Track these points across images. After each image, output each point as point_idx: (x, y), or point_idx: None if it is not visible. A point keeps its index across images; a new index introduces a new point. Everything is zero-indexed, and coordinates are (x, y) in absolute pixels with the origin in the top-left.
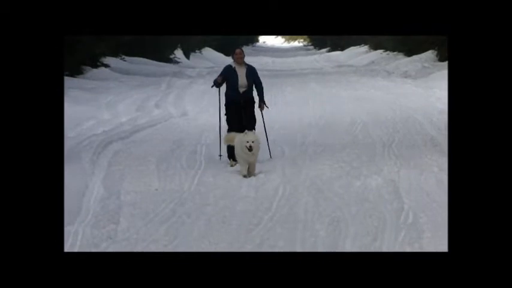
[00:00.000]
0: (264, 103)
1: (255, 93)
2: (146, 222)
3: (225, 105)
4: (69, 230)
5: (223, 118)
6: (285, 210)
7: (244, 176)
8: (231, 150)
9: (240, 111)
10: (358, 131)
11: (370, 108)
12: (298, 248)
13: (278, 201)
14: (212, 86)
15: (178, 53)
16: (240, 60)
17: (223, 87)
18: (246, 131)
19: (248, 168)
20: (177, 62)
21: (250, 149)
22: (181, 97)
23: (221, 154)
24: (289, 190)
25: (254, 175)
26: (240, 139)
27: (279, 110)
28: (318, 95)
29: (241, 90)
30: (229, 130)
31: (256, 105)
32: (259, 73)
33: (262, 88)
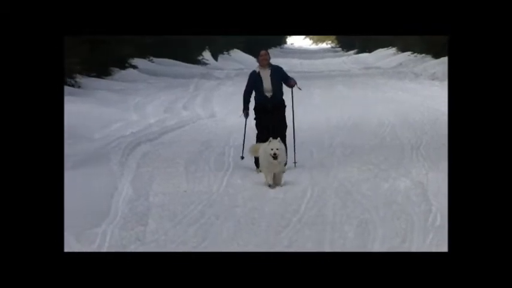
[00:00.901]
0: (295, 81)
1: (285, 96)
2: (175, 223)
3: (254, 109)
4: (97, 231)
5: (250, 120)
6: (313, 212)
7: (270, 186)
8: (257, 158)
9: (269, 116)
10: (386, 133)
11: (397, 110)
12: (327, 250)
13: (306, 203)
14: (240, 116)
15: (207, 55)
16: (264, 62)
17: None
18: (271, 138)
19: (274, 178)
20: (205, 64)
21: (275, 157)
22: (209, 99)
23: (243, 155)
24: (317, 192)
25: (281, 185)
26: (264, 148)
27: (307, 112)
28: (346, 97)
29: (268, 94)
30: (258, 135)
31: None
32: (288, 74)
33: (292, 79)
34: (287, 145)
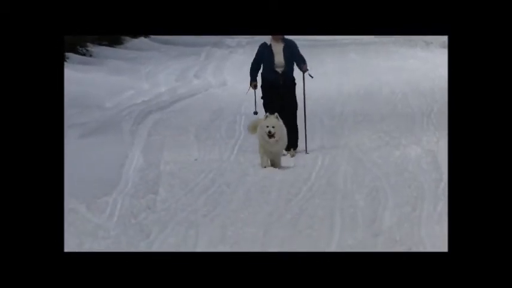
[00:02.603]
0: (307, 68)
1: (296, 74)
2: (186, 192)
3: (261, 86)
4: (107, 200)
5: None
6: (323, 180)
7: (265, 168)
8: None
9: (279, 95)
10: (397, 101)
11: (409, 78)
12: (338, 218)
13: (317, 171)
14: (246, 92)
15: None
16: (277, 35)
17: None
18: (267, 114)
19: (271, 160)
20: None
21: (270, 135)
22: (221, 67)
23: (256, 111)
24: (328, 160)
25: (279, 167)
26: (260, 126)
27: (318, 80)
28: (358, 65)
29: (279, 70)
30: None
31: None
32: (298, 43)
33: (304, 60)
34: (298, 128)
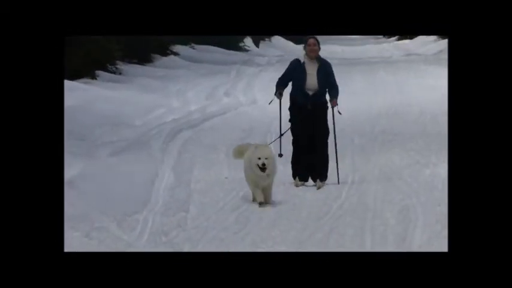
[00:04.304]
0: (336, 102)
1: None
2: (216, 210)
3: (289, 108)
4: (138, 218)
5: (285, 108)
6: (354, 198)
7: (260, 204)
8: (296, 169)
9: (309, 119)
10: (428, 120)
11: (439, 97)
12: (368, 236)
13: (347, 189)
14: (269, 103)
15: (248, 41)
16: (312, 54)
17: (289, 87)
18: (257, 144)
19: (261, 195)
20: (247, 50)
21: (263, 168)
22: (251, 85)
23: (281, 153)
24: (358, 178)
25: (270, 203)
26: (249, 156)
27: (348, 99)
28: (387, 83)
29: (310, 92)
30: (295, 142)
31: (329, 109)
32: (329, 61)
33: (337, 91)
34: (328, 156)
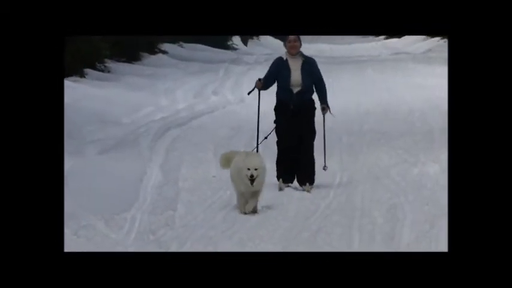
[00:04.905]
0: (328, 106)
1: (315, 96)
2: (204, 208)
3: (275, 109)
4: (125, 216)
5: (263, 106)
6: (342, 197)
7: (244, 214)
8: (280, 171)
9: (294, 120)
10: (416, 119)
11: (427, 95)
12: (356, 235)
13: (335, 188)
14: (249, 93)
15: (236, 40)
16: (293, 51)
17: (274, 86)
18: (247, 152)
19: (247, 203)
20: (235, 49)
21: (252, 180)
22: (239, 84)
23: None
24: (346, 177)
25: (256, 211)
26: (237, 163)
27: (336, 97)
28: (375, 82)
29: (295, 90)
30: (279, 143)
31: (318, 110)
32: (317, 60)
33: (324, 87)
34: (314, 158)
